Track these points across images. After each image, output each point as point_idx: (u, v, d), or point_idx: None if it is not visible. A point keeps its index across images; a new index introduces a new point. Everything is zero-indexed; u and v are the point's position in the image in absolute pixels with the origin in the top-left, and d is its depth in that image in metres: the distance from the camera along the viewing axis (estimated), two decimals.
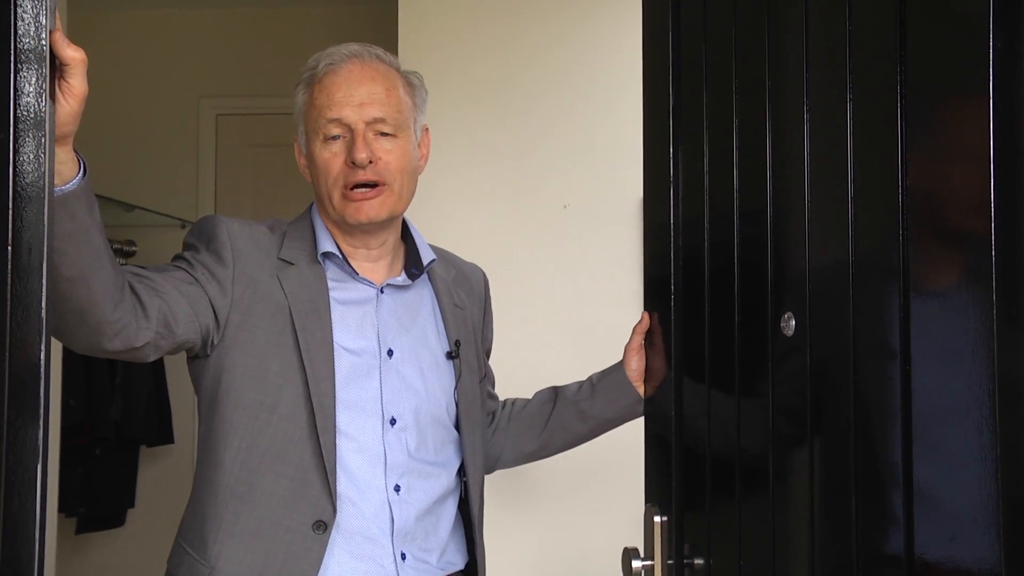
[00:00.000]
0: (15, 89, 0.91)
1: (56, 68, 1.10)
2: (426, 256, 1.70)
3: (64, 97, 1.13)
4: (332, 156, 1.60)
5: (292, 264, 1.61)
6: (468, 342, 1.74)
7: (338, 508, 1.54)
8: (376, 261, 1.67)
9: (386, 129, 1.60)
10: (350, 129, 1.59)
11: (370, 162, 1.58)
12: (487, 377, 1.85)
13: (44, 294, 0.92)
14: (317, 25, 4.04)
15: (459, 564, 1.70)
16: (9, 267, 0.90)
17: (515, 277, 2.60)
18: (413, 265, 1.71)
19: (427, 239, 1.75)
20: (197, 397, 1.64)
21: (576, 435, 1.80)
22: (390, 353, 1.62)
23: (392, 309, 1.66)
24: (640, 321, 1.62)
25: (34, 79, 0.93)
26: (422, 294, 1.72)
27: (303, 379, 1.54)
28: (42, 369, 0.92)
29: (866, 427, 0.97)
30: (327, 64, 1.62)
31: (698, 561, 1.33)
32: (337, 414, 1.55)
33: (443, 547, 1.66)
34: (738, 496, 1.23)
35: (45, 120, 0.93)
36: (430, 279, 1.73)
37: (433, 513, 1.64)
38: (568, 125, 2.69)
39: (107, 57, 3.90)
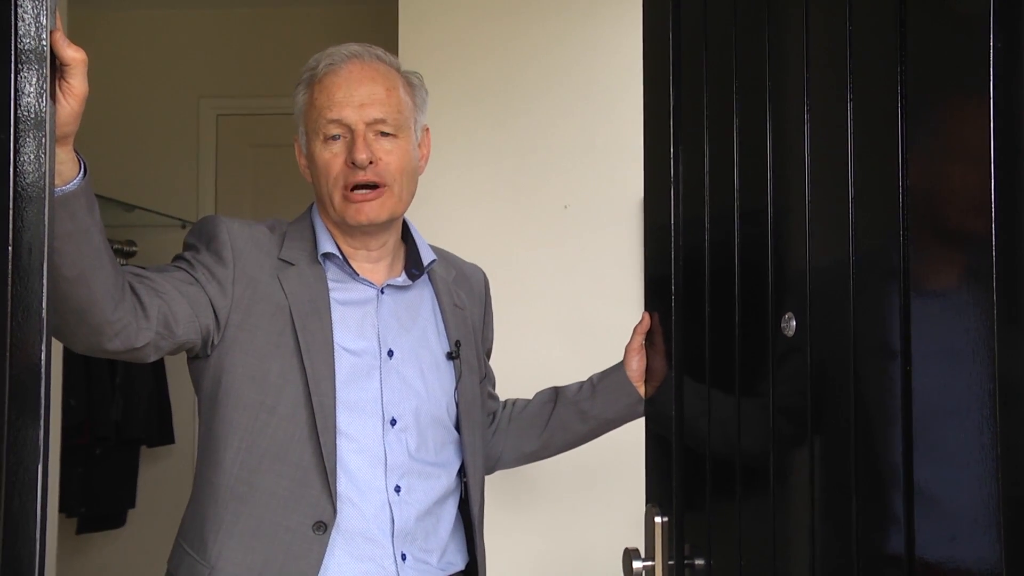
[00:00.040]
0: (16, 89, 0.91)
1: (57, 68, 1.10)
2: (426, 256, 1.70)
3: (65, 97, 1.13)
4: (332, 156, 1.60)
5: (292, 264, 1.61)
6: (468, 342, 1.74)
7: (338, 509, 1.54)
8: (376, 262, 1.67)
9: (386, 129, 1.60)
10: (350, 129, 1.59)
11: (370, 163, 1.58)
12: (487, 377, 1.85)
13: (44, 294, 0.92)
14: (317, 25, 4.04)
15: (459, 565, 1.69)
16: (10, 267, 0.90)
17: (515, 277, 2.60)
18: (413, 265, 1.70)
19: (427, 239, 1.75)
20: (197, 397, 1.64)
21: (577, 435, 1.80)
22: (390, 354, 1.62)
23: (392, 310, 1.66)
24: (641, 321, 1.62)
25: (35, 79, 0.93)
26: (422, 295, 1.72)
27: (303, 379, 1.54)
28: (42, 369, 0.92)
29: (866, 427, 0.97)
30: (327, 64, 1.62)
31: (699, 561, 1.33)
32: (337, 415, 1.55)
33: (443, 548, 1.66)
34: (739, 496, 1.23)
35: (46, 120, 0.93)
36: (430, 279, 1.73)
37: (433, 514, 1.64)
38: (568, 125, 2.69)
39: (107, 57, 3.90)
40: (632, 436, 1.72)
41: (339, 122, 1.59)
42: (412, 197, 1.67)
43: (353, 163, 1.57)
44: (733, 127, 1.25)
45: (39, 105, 0.93)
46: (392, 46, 2.35)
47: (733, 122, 1.25)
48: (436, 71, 2.38)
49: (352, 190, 1.59)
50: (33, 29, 0.93)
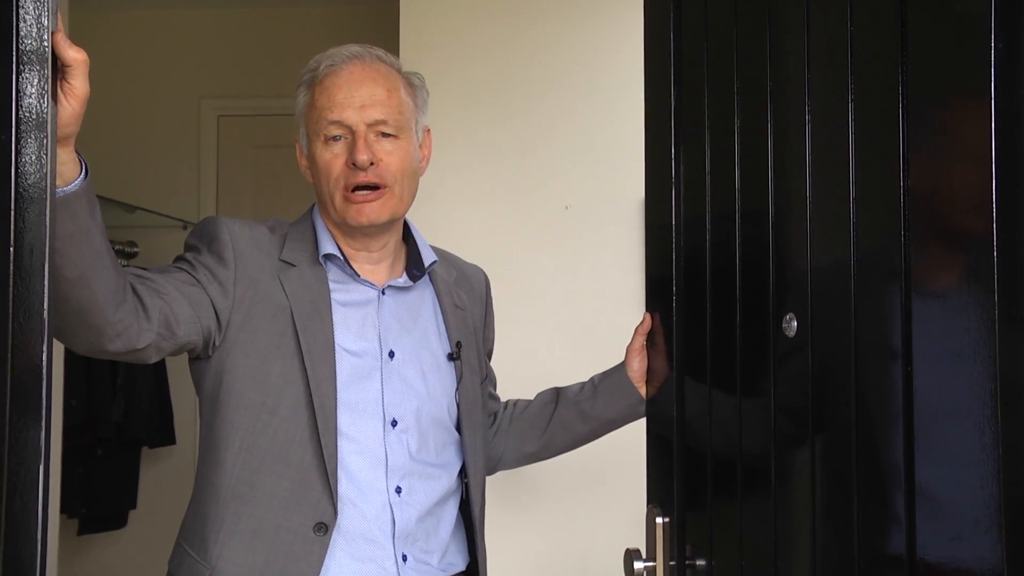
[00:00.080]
0: (17, 90, 0.91)
1: (58, 69, 1.10)
2: (427, 257, 1.70)
3: (66, 98, 1.13)
4: (333, 157, 1.60)
5: (293, 265, 1.61)
6: (469, 343, 1.74)
7: (339, 510, 1.54)
8: (377, 263, 1.67)
9: (387, 130, 1.60)
10: (351, 131, 1.59)
11: (371, 164, 1.58)
12: (488, 378, 1.85)
13: (46, 295, 0.92)
14: (317, 25, 4.04)
15: (460, 565, 1.69)
16: (11, 268, 0.90)
17: (516, 278, 2.60)
18: (414, 266, 1.71)
19: (428, 239, 1.75)
20: (198, 398, 1.64)
21: (578, 436, 1.80)
22: (391, 355, 1.62)
23: (393, 310, 1.66)
24: (642, 322, 1.62)
25: (36, 80, 0.93)
26: (423, 295, 1.72)
27: (304, 380, 1.54)
28: (44, 370, 0.92)
29: (868, 427, 0.97)
30: (328, 65, 1.62)
31: (700, 562, 1.33)
32: (338, 416, 1.55)
33: (444, 548, 1.66)
34: (740, 497, 1.23)
35: (47, 121, 0.93)
36: (431, 280, 1.73)
37: (434, 514, 1.64)
38: (568, 125, 2.69)
39: (108, 57, 3.90)
40: (633, 436, 1.72)
41: (340, 123, 1.59)
42: (413, 198, 1.67)
43: (354, 164, 1.57)
44: (734, 127, 1.25)
45: (40, 106, 0.93)
46: (392, 46, 2.35)
47: (734, 122, 1.25)
48: (436, 71, 2.38)
49: (353, 191, 1.59)
50: (35, 30, 0.93)
